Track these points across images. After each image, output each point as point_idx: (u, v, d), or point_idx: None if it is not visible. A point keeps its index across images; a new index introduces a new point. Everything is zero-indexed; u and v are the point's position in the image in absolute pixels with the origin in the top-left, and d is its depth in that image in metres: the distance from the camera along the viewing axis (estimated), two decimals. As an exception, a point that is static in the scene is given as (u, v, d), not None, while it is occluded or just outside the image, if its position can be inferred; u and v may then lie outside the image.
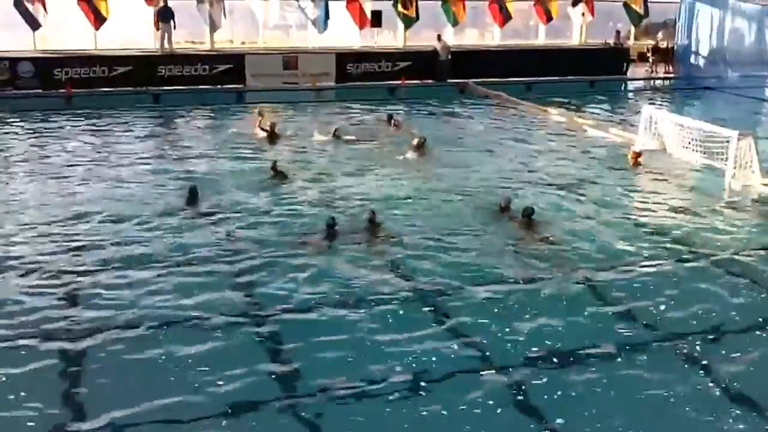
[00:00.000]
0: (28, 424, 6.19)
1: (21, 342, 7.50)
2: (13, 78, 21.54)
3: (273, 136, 16.06)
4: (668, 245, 10.58)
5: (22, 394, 6.58)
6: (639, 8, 27.61)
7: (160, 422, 6.26)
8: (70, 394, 6.69)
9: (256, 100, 21.97)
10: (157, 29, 23.59)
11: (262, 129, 16.22)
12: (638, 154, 14.70)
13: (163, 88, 22.53)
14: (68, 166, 14.37)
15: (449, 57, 24.83)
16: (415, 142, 15.65)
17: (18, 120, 18.82)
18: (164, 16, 23.39)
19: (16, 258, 9.53)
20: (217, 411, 6.39)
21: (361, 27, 25.53)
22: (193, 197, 11.55)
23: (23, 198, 12.23)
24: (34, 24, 22.47)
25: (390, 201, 12.08)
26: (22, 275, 9.05)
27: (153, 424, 6.23)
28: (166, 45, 23.73)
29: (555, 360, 7.38)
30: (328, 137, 16.18)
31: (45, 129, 17.98)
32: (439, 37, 25.08)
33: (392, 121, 18.35)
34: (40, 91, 21.65)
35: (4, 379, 6.86)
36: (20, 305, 8.26)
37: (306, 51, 25.29)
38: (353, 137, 16.31)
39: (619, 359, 7.48)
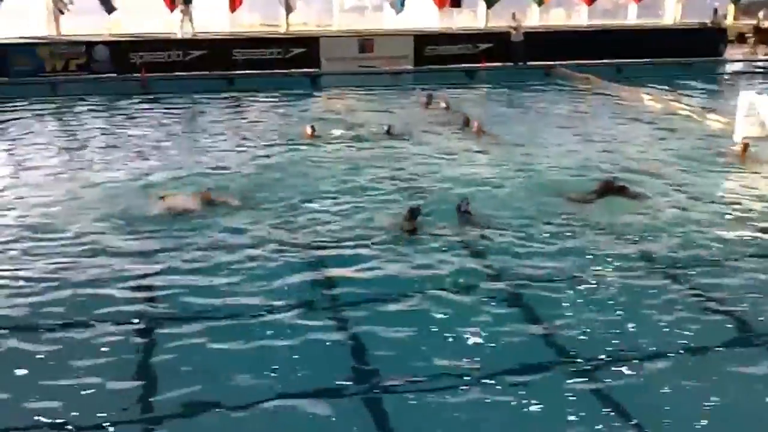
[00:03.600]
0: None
1: (87, 325, 7.12)
2: (89, 62, 21.43)
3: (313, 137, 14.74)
4: (764, 240, 9.57)
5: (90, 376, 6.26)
6: (739, -15, 25.98)
7: (227, 408, 5.88)
8: (138, 377, 6.34)
9: (330, 85, 21.51)
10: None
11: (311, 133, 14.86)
12: (746, 145, 13.34)
13: (237, 72, 22.10)
14: (142, 150, 14.05)
15: (522, 38, 23.66)
16: (475, 126, 14.89)
17: (94, 104, 18.75)
18: None
19: (90, 244, 9.08)
20: (286, 399, 6.02)
21: (440, 7, 24.60)
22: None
23: (96, 181, 11.89)
24: (109, 8, 22.38)
25: (467, 188, 11.24)
26: (91, 257, 8.66)
27: (217, 411, 5.85)
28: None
29: (638, 357, 6.67)
30: (382, 132, 14.90)
31: (120, 113, 17.80)
32: (513, 16, 23.92)
33: (437, 103, 17.43)
34: (115, 75, 21.51)
35: (74, 361, 6.50)
36: (90, 287, 7.90)
37: (382, 33, 24.53)
38: (401, 132, 15.08)
39: (710, 359, 6.75)
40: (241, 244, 9.11)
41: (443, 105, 17.30)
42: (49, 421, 5.67)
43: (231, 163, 13.01)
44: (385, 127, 14.78)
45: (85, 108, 18.38)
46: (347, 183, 11.64)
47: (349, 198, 10.93)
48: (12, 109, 18.12)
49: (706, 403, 5.98)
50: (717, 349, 6.89)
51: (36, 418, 5.70)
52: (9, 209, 10.49)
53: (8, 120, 17.08)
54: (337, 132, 15.20)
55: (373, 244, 9.12)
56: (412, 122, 16.07)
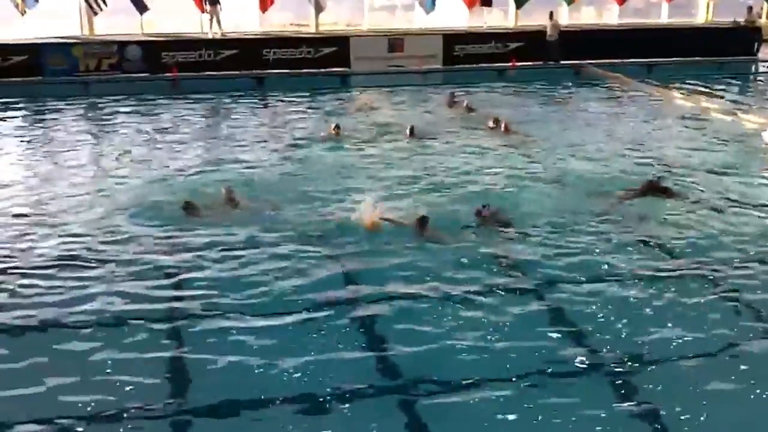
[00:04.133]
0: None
1: (126, 323, 7.27)
2: (121, 61, 21.69)
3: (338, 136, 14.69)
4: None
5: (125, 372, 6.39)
6: (774, -18, 25.54)
7: (254, 403, 6.00)
8: (167, 375, 6.46)
9: (360, 84, 21.52)
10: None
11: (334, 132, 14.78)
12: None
13: (268, 72, 22.22)
14: (171, 148, 14.21)
15: (557, 37, 23.51)
16: (502, 125, 14.79)
17: (125, 103, 18.97)
18: None
19: (119, 242, 9.21)
20: (311, 400, 6.05)
21: (470, 6, 24.51)
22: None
23: (126, 179, 12.05)
24: (141, 8, 22.62)
25: (492, 189, 11.28)
26: (121, 255, 8.76)
27: (243, 414, 5.95)
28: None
29: (676, 363, 6.61)
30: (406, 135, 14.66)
31: (151, 112, 18.02)
32: (551, 15, 23.78)
33: (459, 102, 17.38)
34: (147, 74, 21.75)
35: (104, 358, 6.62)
36: (126, 285, 8.03)
37: (412, 33, 24.50)
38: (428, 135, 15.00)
39: (746, 363, 6.61)
40: (261, 243, 9.16)
41: (466, 104, 17.26)
42: (80, 415, 5.77)
43: (255, 161, 13.13)
44: (408, 128, 14.77)
45: (117, 107, 18.57)
46: (369, 182, 11.64)
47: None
48: (46, 107, 18.48)
49: (737, 408, 5.92)
50: (753, 352, 6.78)
51: (68, 412, 5.80)
52: (41, 206, 10.66)
53: (42, 117, 17.45)
54: (361, 131, 15.21)
55: (395, 245, 9.04)
56: (436, 122, 16.06)
